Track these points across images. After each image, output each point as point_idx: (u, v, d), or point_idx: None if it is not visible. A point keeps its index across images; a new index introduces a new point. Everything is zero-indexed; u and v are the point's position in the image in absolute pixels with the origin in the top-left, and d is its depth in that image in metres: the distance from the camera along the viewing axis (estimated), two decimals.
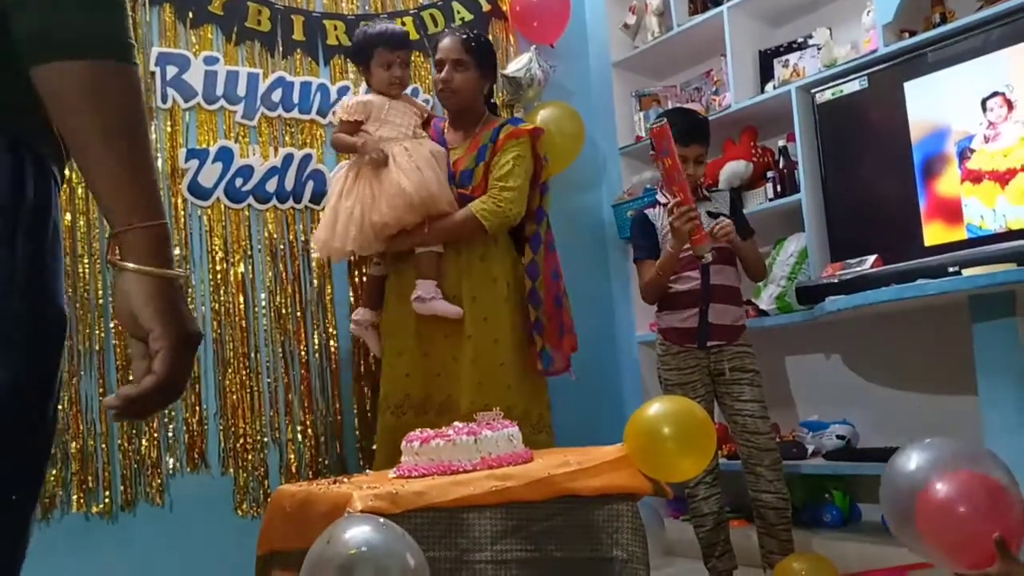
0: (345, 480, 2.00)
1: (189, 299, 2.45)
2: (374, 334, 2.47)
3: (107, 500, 2.37)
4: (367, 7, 3.02)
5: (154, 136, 2.53)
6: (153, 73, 2.56)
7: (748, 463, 2.50)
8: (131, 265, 0.81)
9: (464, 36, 2.53)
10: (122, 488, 2.39)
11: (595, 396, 3.47)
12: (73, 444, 2.34)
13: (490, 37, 3.29)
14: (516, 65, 3.26)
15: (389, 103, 2.44)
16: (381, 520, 1.52)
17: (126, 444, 2.42)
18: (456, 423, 2.00)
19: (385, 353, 2.46)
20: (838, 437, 2.89)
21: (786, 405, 3.16)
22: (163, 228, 0.83)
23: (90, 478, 2.35)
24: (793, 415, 3.14)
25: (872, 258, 2.58)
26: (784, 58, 3.10)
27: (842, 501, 2.85)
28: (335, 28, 2.88)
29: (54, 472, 2.29)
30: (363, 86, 2.68)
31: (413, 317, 2.41)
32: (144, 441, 2.44)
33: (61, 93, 0.79)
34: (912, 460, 1.65)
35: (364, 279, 2.75)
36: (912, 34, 2.64)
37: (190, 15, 2.65)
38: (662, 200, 2.63)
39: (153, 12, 2.61)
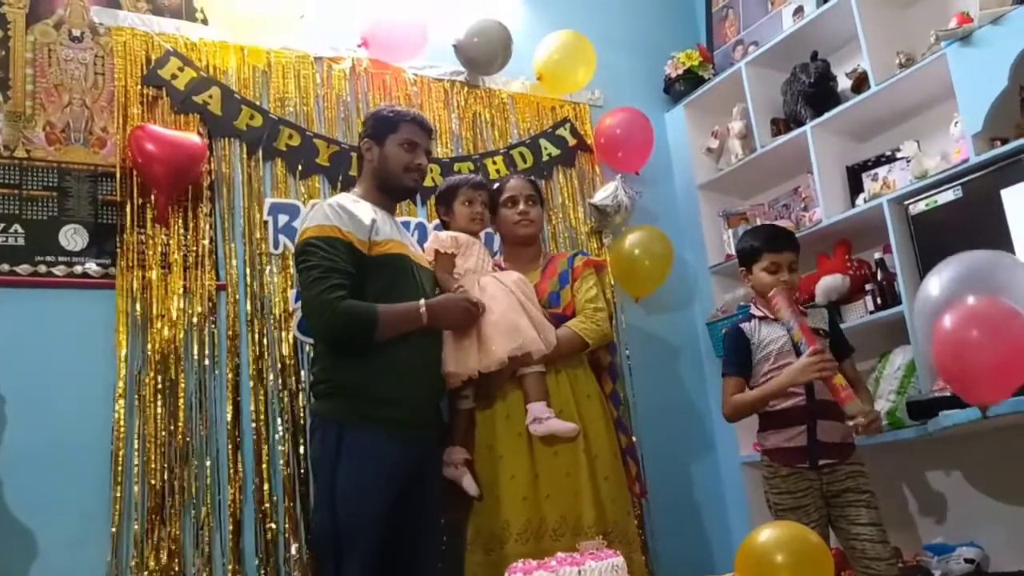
0: None
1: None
2: (467, 471, 2.48)
3: None
4: (460, 150, 3.21)
5: (268, 280, 2.71)
6: (266, 222, 2.76)
7: None
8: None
9: (530, 177, 2.84)
10: None
11: (698, 520, 3.38)
12: None
13: (576, 169, 3.46)
14: (603, 194, 3.37)
15: (471, 240, 2.58)
16: None
17: None
18: (559, 553, 1.98)
19: (498, 480, 2.44)
20: (967, 560, 2.70)
21: (906, 528, 2.99)
22: None
23: None
24: (915, 538, 2.96)
25: None
26: (873, 172, 3.11)
27: None
28: (431, 171, 3.05)
29: None
30: (435, 223, 2.82)
31: (524, 439, 2.44)
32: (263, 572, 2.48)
33: None
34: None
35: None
36: (1004, 142, 2.62)
37: (299, 168, 2.87)
38: (757, 314, 2.62)
39: (266, 167, 2.83)
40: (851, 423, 2.36)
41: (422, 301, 2.31)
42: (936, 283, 2.24)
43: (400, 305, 2.29)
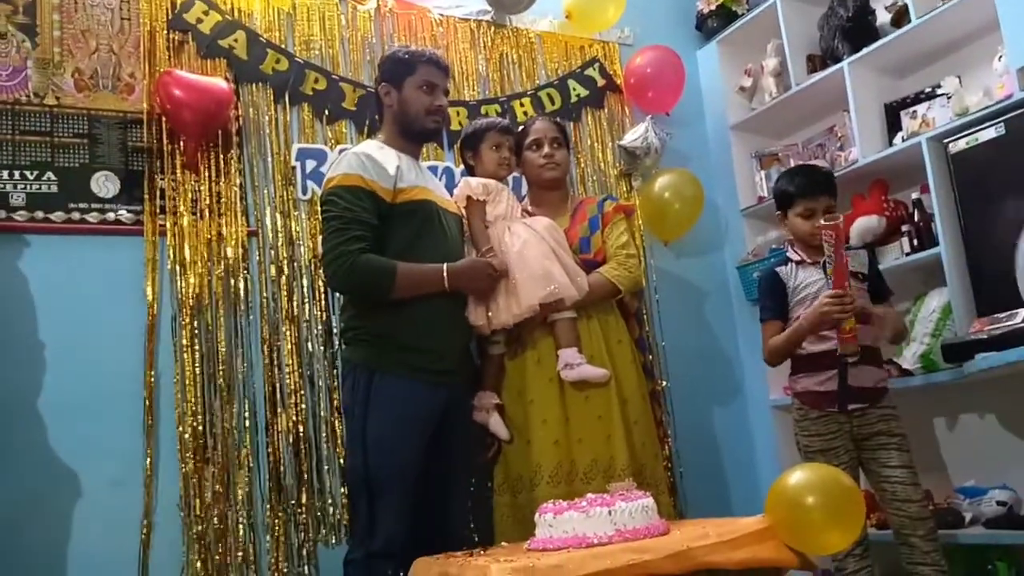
0: (482, 553, 2.03)
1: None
2: (498, 417, 2.51)
3: None
4: (487, 92, 3.17)
5: (296, 225, 2.73)
6: (294, 167, 2.75)
7: (901, 533, 2.37)
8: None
9: (555, 119, 2.79)
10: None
11: (727, 463, 3.39)
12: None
13: (605, 110, 3.40)
14: (632, 136, 3.31)
15: (500, 186, 2.56)
16: None
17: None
18: (589, 494, 2.00)
19: (529, 424, 2.46)
20: (999, 503, 2.69)
21: (938, 470, 2.98)
22: None
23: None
24: (946, 481, 2.95)
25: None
26: (911, 109, 3.02)
27: (1007, 573, 2.64)
28: (458, 114, 3.02)
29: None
30: (463, 167, 2.78)
31: (555, 384, 2.45)
32: (303, 515, 2.54)
33: None
34: None
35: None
36: None
37: (326, 112, 2.85)
38: (794, 258, 2.59)
39: (293, 112, 2.82)
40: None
41: (444, 265, 2.29)
42: None
43: (421, 267, 2.28)
